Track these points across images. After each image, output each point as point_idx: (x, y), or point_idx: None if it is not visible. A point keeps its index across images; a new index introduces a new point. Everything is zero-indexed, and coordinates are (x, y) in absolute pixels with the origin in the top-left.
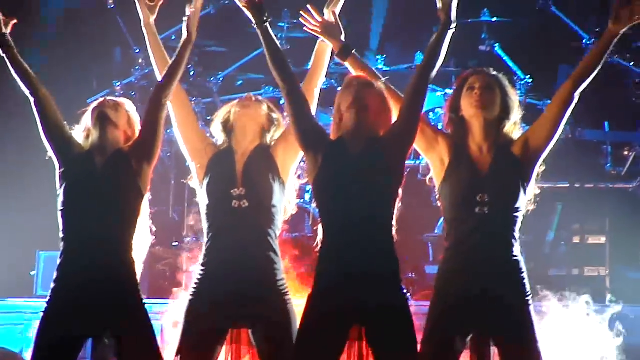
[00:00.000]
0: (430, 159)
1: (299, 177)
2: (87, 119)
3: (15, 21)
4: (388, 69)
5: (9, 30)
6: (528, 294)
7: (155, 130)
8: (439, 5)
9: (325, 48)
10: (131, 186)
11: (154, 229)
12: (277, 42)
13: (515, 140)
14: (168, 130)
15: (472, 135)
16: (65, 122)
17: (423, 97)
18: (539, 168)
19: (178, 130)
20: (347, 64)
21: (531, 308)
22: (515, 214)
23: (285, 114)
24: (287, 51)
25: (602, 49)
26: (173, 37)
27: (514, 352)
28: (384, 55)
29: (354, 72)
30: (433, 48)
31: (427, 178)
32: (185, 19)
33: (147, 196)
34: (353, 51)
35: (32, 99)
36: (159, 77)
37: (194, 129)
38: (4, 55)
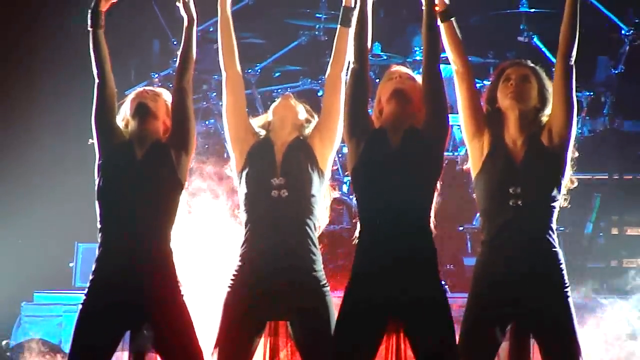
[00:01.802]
0: (472, 148)
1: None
2: (126, 109)
3: (114, 1)
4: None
5: (105, 9)
6: (567, 285)
7: (186, 117)
8: None
9: (344, 33)
10: (170, 177)
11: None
12: (370, 20)
13: (542, 130)
14: (207, 122)
15: (507, 127)
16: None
17: (440, 87)
18: (572, 155)
19: (225, 115)
20: (442, 27)
21: (570, 300)
22: (551, 205)
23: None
24: (325, 42)
25: (568, 9)
26: (211, 29)
27: (552, 344)
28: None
29: (445, 38)
30: (426, 35)
31: (465, 167)
32: (179, 3)
33: (186, 187)
34: (452, 18)
35: (97, 81)
36: (222, 62)
37: (241, 116)
38: (90, 31)
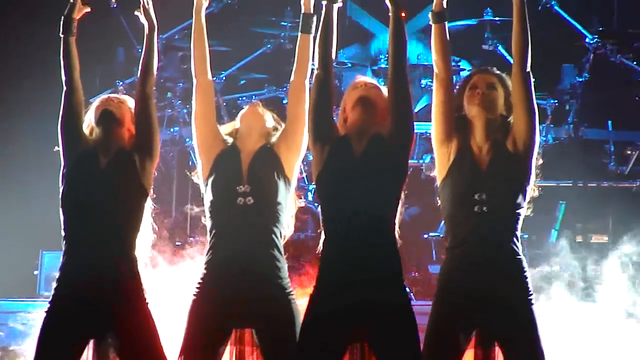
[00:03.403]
0: (440, 154)
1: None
2: (90, 117)
3: (88, 10)
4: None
5: (79, 17)
6: (530, 293)
7: (150, 123)
8: None
9: (306, 41)
10: (135, 185)
11: (156, 228)
12: (335, 27)
13: (508, 137)
14: (172, 130)
15: (473, 134)
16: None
17: (406, 94)
18: (536, 162)
19: (194, 122)
20: (433, 29)
21: (534, 308)
22: (516, 212)
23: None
24: (290, 50)
25: (516, 16)
26: (176, 37)
27: (516, 352)
28: None
29: (434, 40)
30: (392, 42)
31: (431, 174)
32: (138, 12)
33: (150, 195)
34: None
35: (65, 88)
36: (194, 69)
37: (210, 123)
38: (62, 37)
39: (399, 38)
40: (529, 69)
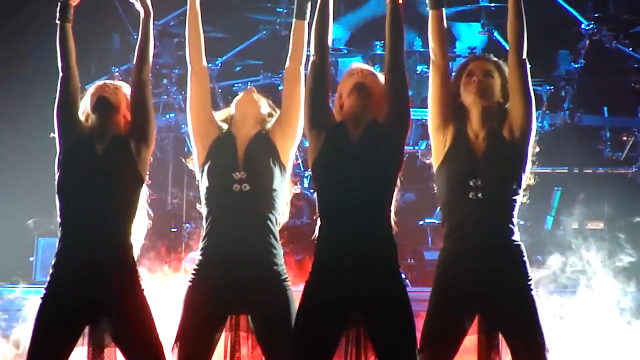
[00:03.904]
0: (436, 141)
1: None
2: (86, 103)
3: None
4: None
5: (75, 3)
6: (529, 279)
7: (145, 110)
8: None
9: (301, 26)
10: (130, 171)
11: (152, 214)
12: (331, 13)
13: (504, 123)
14: (167, 116)
15: (470, 121)
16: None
17: (403, 81)
18: (533, 149)
19: (189, 109)
20: (430, 15)
21: (533, 293)
22: (512, 198)
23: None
24: (285, 37)
25: (511, 2)
26: (172, 23)
27: (517, 338)
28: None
29: (431, 26)
30: (389, 24)
31: (427, 161)
32: (132, 0)
33: (146, 181)
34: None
35: (61, 74)
36: (188, 55)
37: (205, 109)
38: (59, 24)
39: (396, 25)
40: (525, 55)
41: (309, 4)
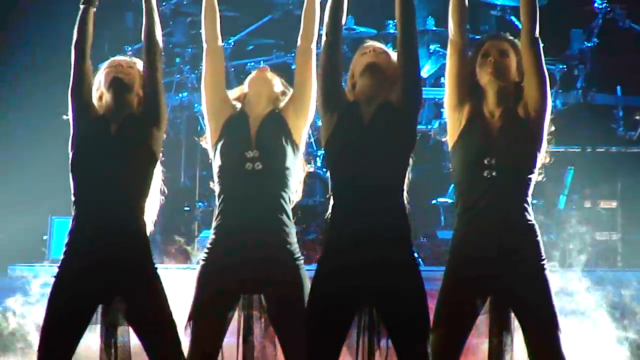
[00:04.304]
0: (451, 119)
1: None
2: (100, 81)
3: None
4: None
5: None
6: (543, 258)
7: (156, 92)
8: None
9: (312, 3)
10: (144, 150)
11: (165, 192)
12: None
13: (520, 103)
14: (180, 95)
15: (486, 101)
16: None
17: (415, 60)
18: (548, 128)
19: (203, 87)
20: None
21: (547, 273)
22: (527, 177)
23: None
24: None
25: None
26: (185, 2)
27: (530, 318)
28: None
29: (452, 4)
30: (399, 7)
31: (441, 139)
32: None
33: (159, 159)
34: None
35: (75, 56)
36: (204, 34)
37: (220, 88)
38: (82, 7)
39: (406, 5)
40: (537, 34)
41: None
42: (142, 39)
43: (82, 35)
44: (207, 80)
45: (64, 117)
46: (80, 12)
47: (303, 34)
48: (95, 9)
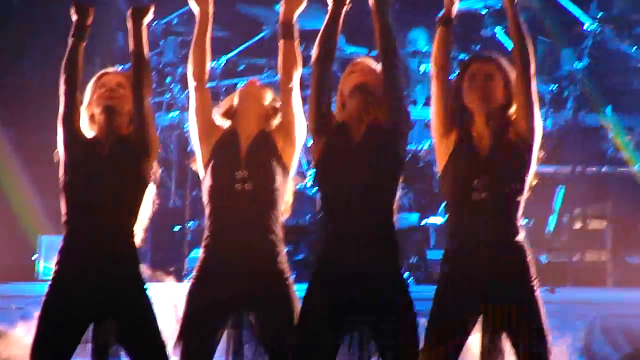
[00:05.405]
0: (440, 147)
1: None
2: (91, 99)
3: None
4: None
5: (90, 22)
6: (534, 279)
7: (145, 123)
8: None
9: (291, 46)
10: (134, 174)
11: (155, 211)
12: (341, 18)
13: (509, 124)
14: (170, 115)
15: (474, 123)
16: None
17: (396, 80)
18: (537, 152)
19: (191, 121)
20: (439, 30)
21: (537, 294)
22: (516, 198)
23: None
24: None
25: (510, 17)
26: (175, 22)
27: (521, 339)
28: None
29: (438, 41)
30: (378, 30)
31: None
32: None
33: (151, 181)
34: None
35: (64, 88)
36: (191, 72)
37: (208, 119)
38: (71, 41)
39: (383, 25)
40: (532, 71)
41: (297, 25)
42: (131, 66)
43: (72, 69)
44: (195, 113)
45: (55, 153)
46: (70, 46)
47: (283, 77)
48: (85, 43)
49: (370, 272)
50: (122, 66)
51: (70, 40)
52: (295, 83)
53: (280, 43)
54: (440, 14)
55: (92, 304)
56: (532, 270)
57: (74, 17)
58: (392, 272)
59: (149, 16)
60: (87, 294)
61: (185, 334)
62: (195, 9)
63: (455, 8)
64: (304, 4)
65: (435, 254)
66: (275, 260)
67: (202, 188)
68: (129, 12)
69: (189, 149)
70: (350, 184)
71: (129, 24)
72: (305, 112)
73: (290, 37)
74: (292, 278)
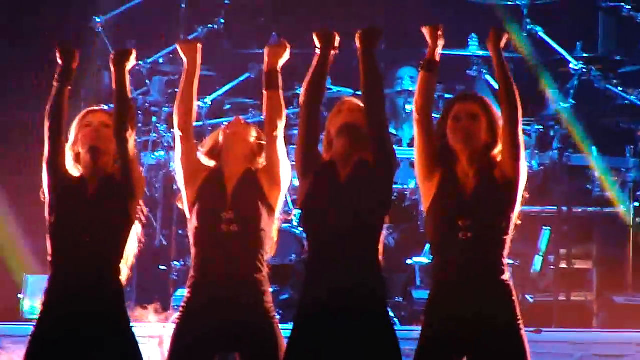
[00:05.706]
0: (424, 188)
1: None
2: (76, 139)
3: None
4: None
5: (75, 65)
6: (519, 318)
7: (129, 168)
8: None
9: (275, 96)
10: (120, 214)
11: (140, 251)
12: (329, 62)
13: (494, 163)
14: (156, 154)
15: (459, 163)
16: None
17: (383, 122)
18: (522, 192)
19: (177, 166)
20: (421, 75)
21: (522, 333)
22: (502, 238)
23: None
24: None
25: (496, 64)
26: (161, 61)
27: None
28: None
29: (420, 85)
30: (363, 71)
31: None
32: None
33: (137, 221)
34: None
35: (49, 133)
36: (177, 121)
37: (193, 165)
38: (56, 84)
39: (370, 74)
40: (519, 118)
41: (280, 76)
42: (114, 111)
43: (57, 112)
44: (181, 160)
45: (41, 194)
46: (54, 90)
47: (268, 126)
48: (70, 87)
49: (355, 312)
50: (108, 106)
51: (55, 84)
52: (280, 131)
53: (265, 93)
54: (423, 59)
55: (78, 341)
56: (518, 310)
57: (59, 61)
58: (378, 312)
59: (132, 60)
60: (73, 334)
61: None
62: (184, 57)
63: (438, 53)
64: (288, 55)
65: (421, 294)
66: (261, 300)
67: (188, 229)
68: (111, 56)
69: (175, 187)
70: (336, 222)
71: (112, 67)
72: (291, 152)
73: (275, 87)
74: (277, 317)
